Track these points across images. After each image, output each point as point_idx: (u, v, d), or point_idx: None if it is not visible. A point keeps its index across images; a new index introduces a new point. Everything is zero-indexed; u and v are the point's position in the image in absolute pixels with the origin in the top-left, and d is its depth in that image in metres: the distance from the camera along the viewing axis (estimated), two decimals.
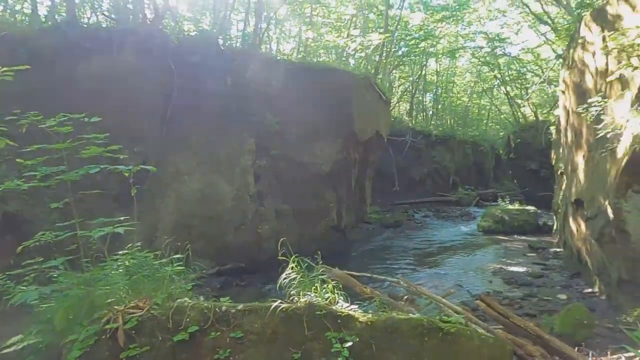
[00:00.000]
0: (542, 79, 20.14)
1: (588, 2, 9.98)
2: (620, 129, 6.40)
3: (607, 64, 7.19)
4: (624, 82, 6.67)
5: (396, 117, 22.18)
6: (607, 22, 7.32)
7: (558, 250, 11.28)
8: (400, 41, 19.63)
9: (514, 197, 18.97)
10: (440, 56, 23.88)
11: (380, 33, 12.49)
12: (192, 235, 8.78)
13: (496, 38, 21.34)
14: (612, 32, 6.73)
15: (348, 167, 11.08)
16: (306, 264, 3.60)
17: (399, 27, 17.90)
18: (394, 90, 24.42)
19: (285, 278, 3.35)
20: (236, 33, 11.83)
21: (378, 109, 11.95)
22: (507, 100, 23.99)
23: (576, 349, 3.89)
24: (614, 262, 6.85)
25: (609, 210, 6.48)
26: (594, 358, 4.10)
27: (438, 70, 26.02)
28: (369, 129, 11.29)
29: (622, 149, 6.32)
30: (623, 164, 6.14)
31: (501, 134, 25.41)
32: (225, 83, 9.38)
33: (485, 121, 29.82)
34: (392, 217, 16.69)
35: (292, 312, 3.02)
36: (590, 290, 8.17)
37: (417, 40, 19.53)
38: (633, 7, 6.63)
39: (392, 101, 22.19)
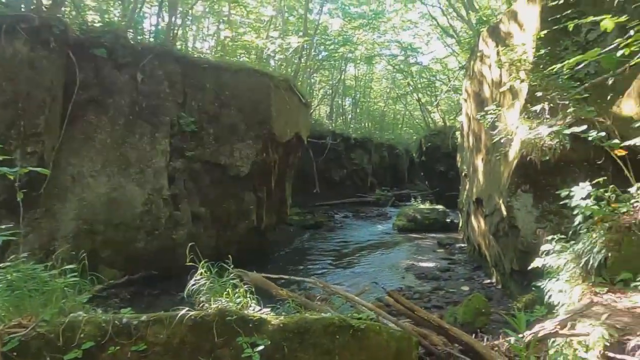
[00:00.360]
0: (448, 88, 21.80)
1: (485, 19, 11.01)
2: (511, 135, 7.14)
3: (500, 75, 7.98)
4: (514, 93, 7.45)
5: (317, 120, 22.57)
6: (500, 38, 8.13)
7: (463, 245, 12.26)
8: (320, 45, 20.02)
9: (426, 197, 20.28)
10: (358, 62, 24.78)
11: (299, 36, 12.64)
12: (97, 243, 8.13)
13: (409, 47, 22.69)
14: (504, 48, 7.48)
15: (268, 169, 11.01)
16: (217, 269, 3.49)
17: (318, 31, 18.25)
18: (314, 94, 24.82)
19: (194, 284, 3.21)
20: (149, 27, 11.19)
21: (298, 111, 12.05)
22: (419, 107, 25.59)
23: (473, 335, 4.24)
24: (507, 255, 7.60)
25: (503, 208, 7.18)
26: (488, 342, 4.52)
27: (356, 75, 26.98)
28: (288, 130, 11.33)
29: (513, 153, 7.05)
30: (513, 166, 6.85)
31: (414, 137, 27.03)
32: (136, 79, 8.81)
33: (400, 125, 31.54)
34: (312, 218, 16.92)
35: (201, 320, 2.90)
36: (488, 281, 8.99)
37: (336, 46, 20.06)
38: (520, 26, 7.44)
39: (312, 104, 22.54)
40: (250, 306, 3.20)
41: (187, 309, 2.88)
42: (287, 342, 3.05)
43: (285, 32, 14.21)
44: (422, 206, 16.68)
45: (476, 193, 9.41)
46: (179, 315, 2.83)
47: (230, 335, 2.95)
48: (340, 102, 26.59)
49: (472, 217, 9.98)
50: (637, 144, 4.91)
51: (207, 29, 13.40)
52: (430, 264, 10.65)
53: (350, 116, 27.39)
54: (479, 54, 9.14)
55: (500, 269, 8.24)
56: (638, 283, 4.61)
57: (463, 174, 12.32)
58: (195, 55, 10.58)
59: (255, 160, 10.29)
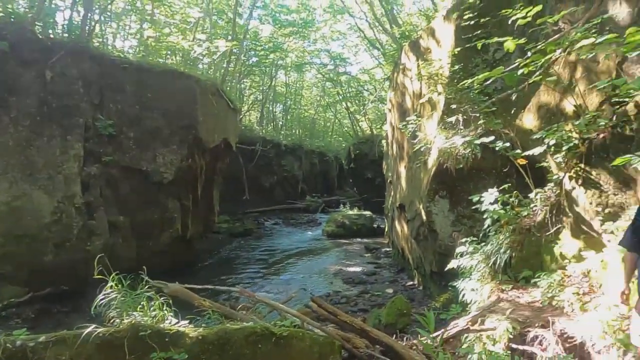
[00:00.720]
0: (374, 98, 22.69)
1: (407, 34, 11.64)
2: (430, 144, 7.58)
3: (421, 88, 8.46)
4: (432, 105, 7.93)
5: (247, 126, 22.28)
6: (420, 52, 8.63)
7: (388, 249, 12.75)
8: (250, 51, 19.86)
9: (354, 203, 20.84)
10: (289, 69, 24.94)
11: (228, 40, 12.41)
12: None
13: (338, 57, 23.31)
14: (423, 62, 7.95)
15: (194, 175, 10.63)
16: (131, 282, 3.28)
17: (248, 36, 18.09)
18: (244, 99, 24.51)
19: (102, 299, 2.99)
20: (62, 22, 10.32)
21: (226, 116, 11.80)
22: (347, 115, 26.32)
23: (394, 336, 4.41)
24: (427, 257, 8.02)
25: (423, 213, 7.58)
26: (407, 342, 4.72)
27: (287, 82, 27.11)
28: (216, 135, 11.05)
29: (432, 161, 7.49)
30: (432, 173, 7.28)
31: (343, 145, 27.70)
32: (44, 77, 8.08)
33: (330, 133, 32.18)
34: (242, 225, 16.62)
35: (110, 337, 2.70)
36: (411, 283, 9.43)
37: (267, 52, 20.03)
38: (438, 43, 7.95)
39: (242, 110, 22.23)
40: (167, 319, 3.04)
41: (94, 326, 2.66)
42: (206, 355, 2.95)
43: (214, 35, 13.89)
44: (350, 212, 17.10)
45: (399, 199, 9.84)
46: (85, 333, 2.60)
47: (144, 352, 2.78)
48: (271, 108, 26.53)
49: (396, 222, 10.42)
50: (535, 154, 5.47)
51: (129, 27, 12.68)
52: (358, 269, 10.92)
53: (281, 123, 27.42)
54: (401, 67, 9.62)
55: (422, 271, 8.67)
56: (536, 280, 5.09)
57: (388, 181, 12.84)
58: (115, 55, 9.93)
59: (180, 166, 9.89)
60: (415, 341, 4.40)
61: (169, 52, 13.11)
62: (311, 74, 27.73)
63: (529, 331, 4.40)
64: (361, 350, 3.78)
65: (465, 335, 4.83)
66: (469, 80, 5.50)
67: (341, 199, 23.32)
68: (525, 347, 4.28)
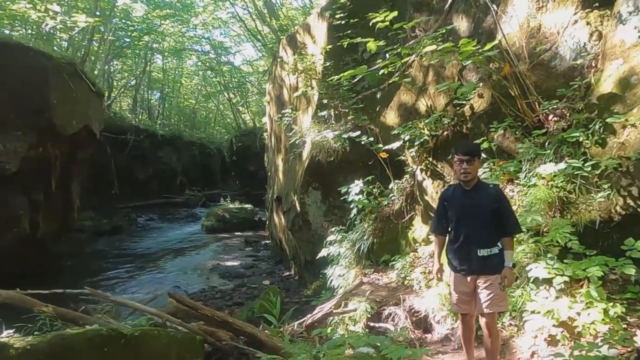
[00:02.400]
0: (257, 89, 22.55)
1: (285, 27, 11.77)
2: (304, 137, 7.80)
3: (297, 82, 8.63)
4: (307, 99, 8.16)
5: (117, 113, 20.32)
6: (297, 47, 8.78)
7: (268, 242, 12.83)
8: (120, 30, 18.08)
9: (237, 196, 20.50)
10: (166, 54, 23.35)
11: (90, 16, 11.07)
12: None
13: (220, 46, 22.55)
14: (299, 56, 8.11)
15: (46, 166, 9.31)
16: None
17: (116, 14, 16.41)
18: (114, 84, 22.31)
19: None
20: None
21: (87, 100, 10.55)
22: (230, 106, 25.71)
23: (259, 326, 4.44)
24: (302, 247, 8.27)
25: (297, 204, 7.78)
26: (279, 328, 4.82)
27: (165, 68, 25.38)
28: (74, 122, 9.81)
29: (306, 153, 7.71)
30: (305, 166, 7.50)
31: (226, 137, 27.00)
32: None
33: (212, 124, 31.07)
34: (110, 222, 15.18)
35: None
36: (288, 273, 9.63)
37: (140, 33, 18.44)
38: (313, 39, 8.19)
39: (111, 95, 20.20)
40: None
41: None
42: None
43: (73, 9, 12.27)
44: (231, 206, 16.79)
45: (277, 191, 9.96)
46: None
47: None
48: (146, 95, 24.56)
49: (274, 215, 10.53)
50: (394, 148, 5.99)
51: None
52: (236, 263, 10.79)
53: (157, 111, 25.57)
54: (279, 60, 9.69)
55: (298, 261, 8.91)
56: (394, 262, 5.59)
57: (269, 174, 12.89)
58: None
59: (27, 156, 8.58)
60: (282, 329, 4.49)
61: (16, 24, 11.25)
62: (192, 61, 26.43)
63: (384, 309, 4.82)
64: (225, 342, 3.73)
65: (331, 318, 5.10)
66: (336, 77, 5.77)
67: (223, 192, 22.71)
68: (381, 324, 4.68)
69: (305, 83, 7.72)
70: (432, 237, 3.80)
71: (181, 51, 23.07)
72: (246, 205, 17.11)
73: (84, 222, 14.02)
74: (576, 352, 2.25)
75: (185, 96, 27.96)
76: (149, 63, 22.49)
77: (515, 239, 3.51)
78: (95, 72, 15.73)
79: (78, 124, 9.95)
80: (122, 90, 22.61)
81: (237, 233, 14.96)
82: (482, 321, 3.03)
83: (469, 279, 3.02)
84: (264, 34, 18.78)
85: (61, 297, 4.86)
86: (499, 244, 2.96)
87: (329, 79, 6.24)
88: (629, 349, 2.64)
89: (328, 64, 7.34)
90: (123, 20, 17.86)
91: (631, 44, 3.54)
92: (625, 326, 2.82)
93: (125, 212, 17.87)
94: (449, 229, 3.16)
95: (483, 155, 4.58)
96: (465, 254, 3.02)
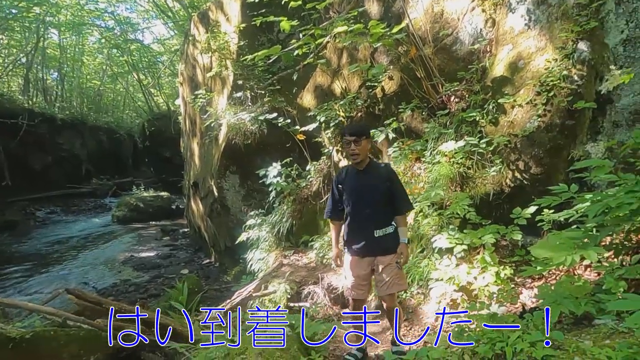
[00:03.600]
0: (168, 70, 21.27)
1: (196, 4, 11.15)
2: (220, 120, 7.53)
3: (211, 61, 8.26)
4: (223, 80, 7.86)
5: (4, 95, 17.95)
6: (209, 25, 8.38)
7: (187, 230, 12.34)
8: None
9: (152, 184, 19.35)
10: (63, 29, 20.95)
11: None
12: None
13: (126, 22, 20.77)
14: (212, 35, 7.75)
15: None
16: None
17: None
18: (1, 60, 19.63)
19: None
20: None
21: None
22: (140, 88, 23.97)
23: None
24: (221, 233, 8.07)
25: (215, 189, 7.54)
26: (196, 317, 4.67)
27: (62, 45, 22.78)
28: None
29: (222, 136, 7.47)
30: (222, 149, 7.27)
31: (137, 121, 25.20)
32: None
33: (122, 107, 28.75)
34: (1, 217, 13.51)
35: None
36: (208, 261, 9.37)
37: (29, 4, 16.33)
38: (226, 16, 7.87)
39: None
40: None
41: None
42: None
43: None
44: (145, 194, 15.83)
45: (193, 176, 9.57)
46: None
47: None
48: (40, 75, 21.90)
49: (192, 201, 10.13)
50: (310, 130, 6.02)
51: None
52: (151, 253, 10.24)
53: (56, 93, 23.00)
54: (191, 38, 9.20)
55: (217, 247, 8.69)
56: (312, 243, 5.68)
57: (185, 159, 12.32)
58: None
59: None
60: (198, 317, 4.35)
61: None
62: (95, 38, 24.04)
63: (304, 289, 4.90)
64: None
65: (251, 302, 5.06)
66: (249, 57, 5.61)
67: (136, 180, 21.28)
68: (301, 303, 4.75)
69: (219, 63, 7.41)
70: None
71: (81, 26, 20.86)
72: (162, 193, 16.26)
73: None
74: (471, 313, 2.46)
75: (88, 76, 25.45)
76: (42, 38, 20.03)
77: (422, 214, 3.74)
78: None
79: None
80: (11, 68, 19.95)
81: (152, 223, 14.18)
82: (384, 302, 3.08)
83: (366, 261, 3.02)
84: (175, 11, 17.64)
85: None
86: (393, 223, 2.97)
87: (243, 59, 6.05)
88: (516, 306, 2.97)
89: (242, 43, 7.12)
90: None
91: (519, 31, 3.88)
92: (513, 286, 3.16)
93: (20, 205, 16.01)
94: (345, 212, 3.10)
95: (393, 135, 4.83)
96: (361, 236, 3.00)
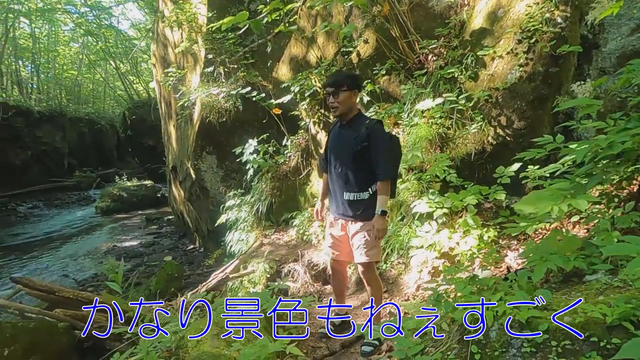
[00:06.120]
0: (145, 55, 20.60)
1: None
2: (192, 96, 7.17)
3: (182, 37, 7.85)
4: (194, 56, 7.48)
5: None
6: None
7: (171, 217, 12.05)
8: None
9: (136, 173, 18.93)
10: (33, 17, 20.13)
11: None
12: None
13: (97, 6, 19.92)
14: (178, 7, 7.34)
15: None
16: None
17: None
18: None
19: None
20: None
21: None
22: (119, 76, 23.28)
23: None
24: (202, 217, 7.80)
25: (192, 172, 7.24)
26: (173, 302, 4.44)
27: (35, 35, 21.94)
28: None
29: (196, 115, 7.12)
30: (197, 129, 6.94)
31: (118, 111, 24.56)
32: None
33: (102, 97, 28.00)
34: None
35: None
36: (192, 246, 9.12)
37: None
38: None
39: None
40: None
41: None
42: None
43: None
44: (129, 184, 15.45)
45: (172, 161, 9.25)
46: None
47: None
48: (13, 66, 21.12)
49: (173, 186, 9.83)
50: (285, 102, 5.72)
51: None
52: (134, 242, 9.96)
53: (31, 85, 22.25)
54: (159, 15, 8.75)
55: (200, 232, 8.44)
56: (293, 220, 5.44)
57: (165, 144, 11.95)
58: None
59: None
60: (173, 302, 4.13)
61: None
62: (69, 26, 23.18)
63: (283, 267, 4.67)
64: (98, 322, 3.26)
65: (230, 283, 4.84)
66: (217, 24, 5.25)
67: (121, 170, 20.86)
68: (280, 281, 4.53)
69: (188, 36, 7.03)
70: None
71: (51, 12, 20.03)
72: (146, 182, 15.90)
73: None
74: (448, 277, 2.24)
75: (64, 67, 24.65)
76: (12, 28, 19.24)
77: (400, 179, 3.50)
78: None
79: None
80: None
81: (137, 212, 13.86)
82: (359, 270, 2.86)
83: (339, 223, 2.81)
84: None
85: None
86: (370, 189, 2.65)
87: (210, 27, 5.69)
88: (501, 269, 2.75)
89: (210, 14, 6.73)
90: None
91: None
92: (497, 250, 2.94)
93: (0, 202, 15.58)
94: None
95: (368, 98, 4.54)
96: (334, 195, 2.80)
